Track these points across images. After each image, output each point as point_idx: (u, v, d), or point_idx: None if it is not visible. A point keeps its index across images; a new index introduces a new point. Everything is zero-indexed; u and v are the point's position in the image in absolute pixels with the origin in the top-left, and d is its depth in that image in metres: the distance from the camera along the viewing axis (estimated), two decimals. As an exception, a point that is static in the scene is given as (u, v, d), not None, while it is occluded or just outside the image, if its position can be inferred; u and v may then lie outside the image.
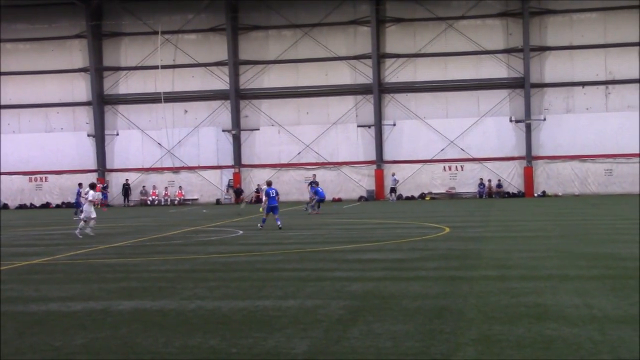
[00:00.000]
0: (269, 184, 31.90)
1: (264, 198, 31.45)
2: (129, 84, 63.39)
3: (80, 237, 27.72)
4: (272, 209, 30.35)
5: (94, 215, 28.27)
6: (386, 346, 9.55)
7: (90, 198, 28.60)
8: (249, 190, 61.94)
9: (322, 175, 59.40)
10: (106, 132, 63.41)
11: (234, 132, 61.25)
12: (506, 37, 59.21)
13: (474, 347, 9.39)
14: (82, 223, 28.56)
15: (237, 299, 13.37)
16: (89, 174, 62.13)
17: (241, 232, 29.84)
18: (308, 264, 18.67)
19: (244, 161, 62.22)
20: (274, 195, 30.64)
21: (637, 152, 56.81)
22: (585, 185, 57.60)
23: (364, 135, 60.68)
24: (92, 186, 30.17)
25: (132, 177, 63.19)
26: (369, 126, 60.38)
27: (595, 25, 58.26)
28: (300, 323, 11.08)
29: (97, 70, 62.72)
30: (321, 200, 42.40)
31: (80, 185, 46.11)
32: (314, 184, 44.80)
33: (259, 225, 30.69)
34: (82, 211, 43.60)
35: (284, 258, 19.95)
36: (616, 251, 19.31)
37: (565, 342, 9.53)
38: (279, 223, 29.88)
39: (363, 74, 60.29)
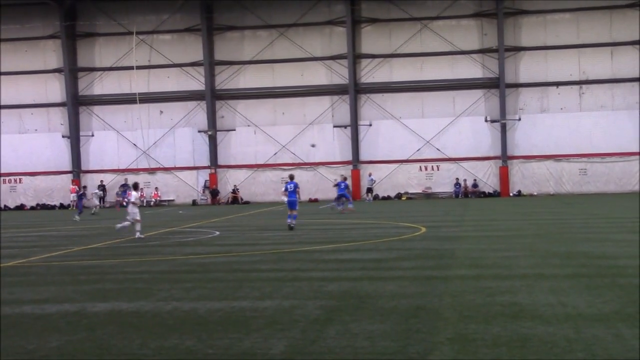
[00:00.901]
0: (291, 177, 31.25)
1: (283, 193, 30.63)
2: (103, 85, 63.04)
3: (120, 232, 27.57)
4: (290, 204, 29.46)
5: (139, 217, 26.99)
6: (363, 346, 9.57)
7: (132, 199, 27.61)
8: (225, 190, 61.80)
9: (298, 176, 59.22)
10: (81, 133, 63.03)
11: (210, 132, 61.10)
12: (481, 37, 59.48)
13: (450, 346, 9.43)
14: (126, 223, 27.66)
15: (214, 300, 13.35)
16: (63, 175, 61.74)
17: (217, 232, 29.76)
18: (285, 264, 18.66)
19: (220, 162, 62.07)
20: (292, 189, 29.70)
21: (610, 151, 57.30)
22: (560, 184, 57.97)
23: (340, 136, 60.74)
24: (135, 186, 28.84)
25: (108, 179, 62.86)
26: (345, 126, 60.43)
27: (568, 25, 58.66)
28: (277, 323, 11.08)
29: (72, 71, 62.32)
30: (342, 196, 42.17)
31: (84, 187, 46.86)
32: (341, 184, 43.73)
33: (289, 222, 29.57)
34: (80, 212, 43.59)
35: (261, 259, 19.92)
36: (590, 250, 19.45)
37: (540, 340, 9.59)
38: (289, 221, 29.20)
39: (339, 74, 60.34)
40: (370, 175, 59.43)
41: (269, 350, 9.49)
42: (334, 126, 60.80)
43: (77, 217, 42.61)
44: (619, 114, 57.68)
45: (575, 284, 13.95)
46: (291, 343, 9.84)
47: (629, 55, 57.58)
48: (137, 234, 26.96)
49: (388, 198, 59.74)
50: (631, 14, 57.53)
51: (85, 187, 51.52)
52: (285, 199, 29.96)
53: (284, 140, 60.89)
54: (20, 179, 63.31)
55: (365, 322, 10.98)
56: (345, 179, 46.16)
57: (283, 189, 30.58)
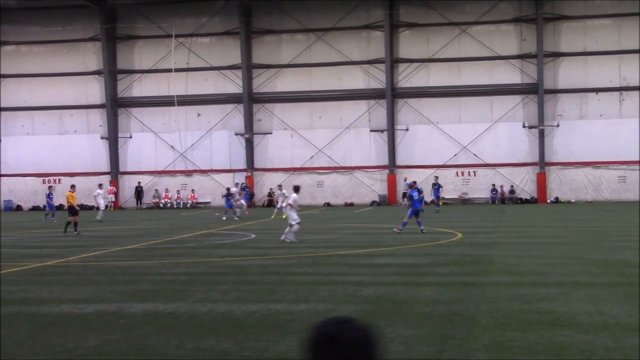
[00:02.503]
0: (410, 185, 30.94)
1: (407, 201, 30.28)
2: (142, 87, 63.55)
3: (288, 241, 25.84)
4: (415, 212, 29.11)
5: (297, 220, 26.25)
6: (398, 351, 9.56)
7: (290, 202, 27.09)
8: (261, 194, 61.97)
9: (334, 180, 59.47)
10: (120, 134, 63.58)
11: (246, 135, 61.32)
12: (520, 42, 59.05)
13: (486, 353, 9.39)
14: (287, 228, 26.49)
15: (250, 302, 13.40)
16: (102, 176, 62.28)
17: (253, 235, 29.87)
18: (320, 268, 18.69)
19: (257, 165, 62.27)
20: (417, 197, 29.35)
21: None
22: (598, 191, 57.35)
23: (376, 140, 60.63)
24: (296, 189, 28.28)
25: (145, 180, 63.31)
26: (382, 131, 60.32)
27: (609, 31, 58.01)
28: (312, 327, 11.08)
29: (111, 73, 62.90)
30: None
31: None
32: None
33: (396, 229, 29.08)
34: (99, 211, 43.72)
35: (297, 262, 19.97)
36: (629, 258, 19.24)
37: (577, 349, 9.52)
38: (421, 227, 28.68)
39: (376, 78, 60.25)
40: (405, 179, 59.27)
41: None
42: (371, 130, 60.71)
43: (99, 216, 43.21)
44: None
45: (613, 293, 13.82)
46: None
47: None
48: (291, 236, 25.98)
49: (425, 203, 59.45)
50: (673, 20, 56.81)
51: (101, 185, 50.46)
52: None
53: (321, 144, 60.92)
54: (59, 179, 63.94)
55: (401, 327, 10.98)
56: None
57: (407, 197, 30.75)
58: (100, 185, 49.13)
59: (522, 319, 11.48)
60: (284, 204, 33.16)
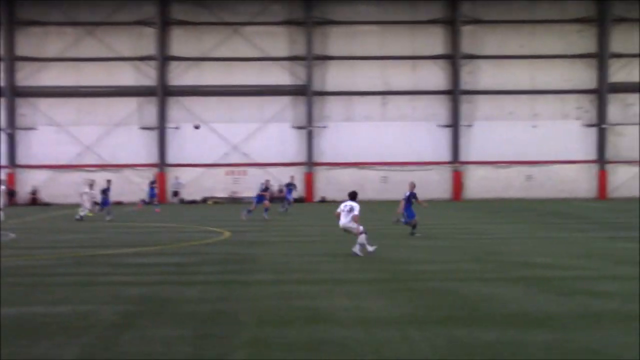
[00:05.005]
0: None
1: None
2: None
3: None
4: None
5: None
6: (158, 351, 9.49)
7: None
8: (24, 192, 59.26)
9: (102, 177, 57.84)
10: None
11: (8, 131, 58.47)
12: (290, 44, 60.32)
13: (246, 350, 9.53)
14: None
15: (5, 306, 12.78)
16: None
17: (13, 235, 28.52)
18: (84, 268, 18.18)
19: (21, 162, 59.47)
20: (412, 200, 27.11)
21: (409, 160, 59.63)
22: (362, 191, 59.45)
23: (146, 138, 59.72)
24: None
25: None
26: (152, 129, 59.51)
27: (374, 37, 60.61)
28: (72, 329, 10.79)
29: None
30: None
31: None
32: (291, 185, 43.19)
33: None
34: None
35: (59, 263, 19.30)
36: (390, 255, 20.11)
37: (334, 343, 9.86)
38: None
39: (147, 75, 59.39)
40: (176, 178, 58.89)
41: (61, 357, 9.23)
42: (141, 128, 59.71)
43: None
44: (420, 125, 60.19)
45: (371, 289, 14.44)
46: (85, 349, 9.62)
47: (428, 69, 60.20)
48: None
49: (194, 202, 59.35)
50: (432, 29, 60.21)
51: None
52: None
53: (89, 141, 59.17)
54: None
55: (163, 327, 10.90)
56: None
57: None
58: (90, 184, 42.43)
59: (283, 316, 11.73)
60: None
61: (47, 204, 57.50)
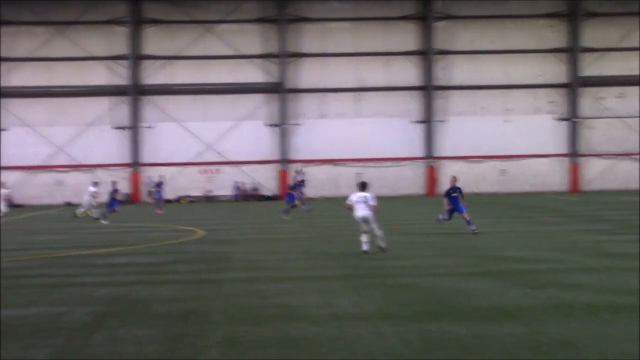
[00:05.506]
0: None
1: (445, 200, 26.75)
2: None
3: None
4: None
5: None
6: (129, 351, 9.44)
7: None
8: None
9: (75, 178, 57.53)
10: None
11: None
12: (263, 42, 60.21)
13: (219, 349, 9.50)
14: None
15: (-26, 309, 12.67)
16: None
17: (-15, 237, 28.25)
18: (56, 269, 18.08)
19: (-8, 162, 58.99)
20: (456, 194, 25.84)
21: (385, 156, 59.79)
22: (337, 188, 59.57)
23: (119, 137, 59.38)
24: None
25: None
26: (125, 128, 59.21)
27: (347, 34, 60.68)
28: (42, 331, 10.72)
29: None
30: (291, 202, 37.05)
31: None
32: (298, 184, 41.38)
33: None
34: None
35: (30, 264, 19.15)
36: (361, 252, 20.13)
37: (308, 340, 9.85)
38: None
39: (119, 75, 59.07)
40: (149, 177, 58.66)
41: (33, 358, 9.16)
42: (114, 127, 59.37)
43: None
44: (394, 121, 60.32)
45: (344, 285, 14.45)
46: (55, 351, 9.55)
47: (402, 65, 60.34)
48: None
49: (168, 201, 59.11)
50: (405, 26, 60.36)
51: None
52: None
53: (61, 141, 58.74)
54: None
55: (135, 328, 10.84)
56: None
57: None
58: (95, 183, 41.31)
59: (256, 314, 11.71)
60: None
61: (19, 206, 56.94)
